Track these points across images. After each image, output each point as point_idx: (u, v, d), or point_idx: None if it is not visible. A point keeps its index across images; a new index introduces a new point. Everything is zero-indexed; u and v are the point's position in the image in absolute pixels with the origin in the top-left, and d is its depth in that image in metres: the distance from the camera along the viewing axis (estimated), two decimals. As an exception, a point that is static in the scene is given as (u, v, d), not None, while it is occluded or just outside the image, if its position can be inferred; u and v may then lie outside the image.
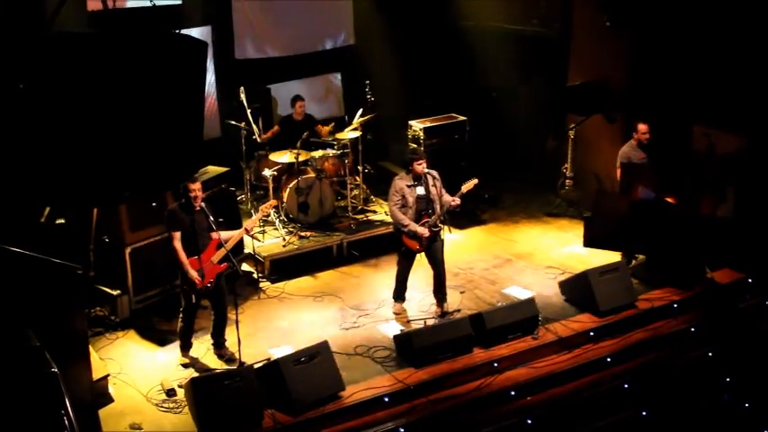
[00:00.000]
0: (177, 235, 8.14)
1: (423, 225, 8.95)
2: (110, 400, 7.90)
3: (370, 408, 7.86)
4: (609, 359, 8.70)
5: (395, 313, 9.39)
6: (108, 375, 8.05)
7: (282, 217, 10.92)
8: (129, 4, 11.16)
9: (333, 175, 11.29)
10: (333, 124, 11.68)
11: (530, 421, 7.95)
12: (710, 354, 8.98)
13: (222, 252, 8.23)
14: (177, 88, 4.88)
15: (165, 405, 7.85)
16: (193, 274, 8.12)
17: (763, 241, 9.96)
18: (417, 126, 11.68)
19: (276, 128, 11.58)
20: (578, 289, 9.44)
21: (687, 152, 10.70)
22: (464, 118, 11.97)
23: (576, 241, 10.85)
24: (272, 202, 9.37)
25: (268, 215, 10.55)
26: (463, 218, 11.44)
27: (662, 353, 8.95)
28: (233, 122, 11.31)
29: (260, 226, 10.67)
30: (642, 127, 10.08)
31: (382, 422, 7.74)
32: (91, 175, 4.69)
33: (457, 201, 8.96)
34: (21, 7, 6.02)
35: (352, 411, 7.80)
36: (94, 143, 4.64)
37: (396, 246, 9.36)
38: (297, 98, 11.54)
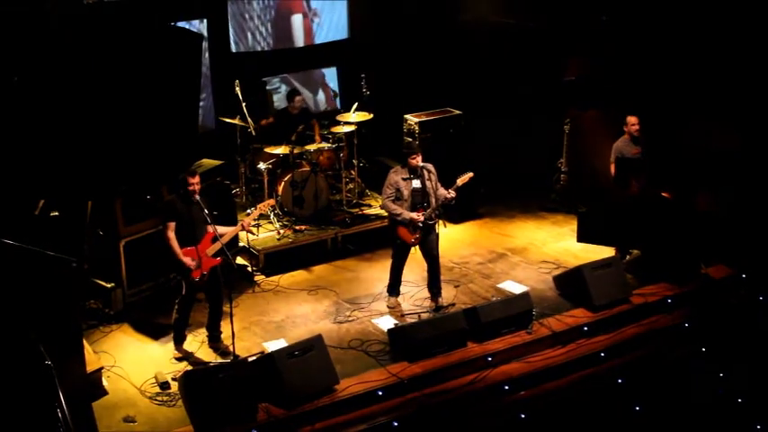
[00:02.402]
0: (171, 225, 8.13)
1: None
2: (104, 392, 7.90)
3: (364, 401, 7.87)
4: (603, 354, 8.73)
5: (389, 307, 9.39)
6: (102, 368, 8.05)
7: (277, 210, 10.91)
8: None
9: (328, 168, 11.28)
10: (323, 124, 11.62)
11: (523, 416, 7.97)
12: (704, 349, 9.02)
13: (217, 246, 8.22)
14: (172, 81, 4.89)
15: (159, 398, 7.85)
16: (187, 259, 8.12)
17: (758, 237, 9.98)
18: (413, 120, 11.66)
19: (271, 119, 11.57)
20: (572, 284, 9.46)
21: (682, 147, 10.71)
22: (459, 112, 11.96)
23: (571, 236, 10.85)
24: (270, 201, 9.36)
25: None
26: (458, 212, 11.43)
27: (655, 348, 8.97)
28: (227, 119, 11.28)
29: (255, 220, 10.64)
30: (632, 119, 10.08)
31: (376, 416, 7.76)
32: (86, 168, 4.70)
33: (452, 194, 8.96)
34: (18, 0, 6.00)
35: (345, 405, 7.81)
36: (90, 136, 4.65)
37: (390, 239, 9.36)
38: (294, 93, 11.50)
